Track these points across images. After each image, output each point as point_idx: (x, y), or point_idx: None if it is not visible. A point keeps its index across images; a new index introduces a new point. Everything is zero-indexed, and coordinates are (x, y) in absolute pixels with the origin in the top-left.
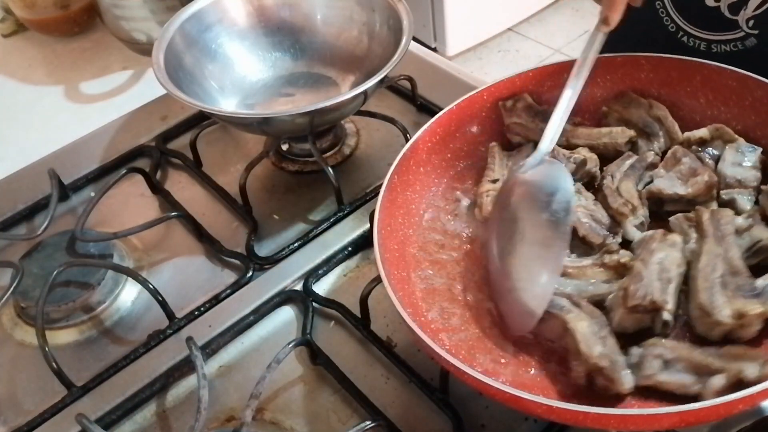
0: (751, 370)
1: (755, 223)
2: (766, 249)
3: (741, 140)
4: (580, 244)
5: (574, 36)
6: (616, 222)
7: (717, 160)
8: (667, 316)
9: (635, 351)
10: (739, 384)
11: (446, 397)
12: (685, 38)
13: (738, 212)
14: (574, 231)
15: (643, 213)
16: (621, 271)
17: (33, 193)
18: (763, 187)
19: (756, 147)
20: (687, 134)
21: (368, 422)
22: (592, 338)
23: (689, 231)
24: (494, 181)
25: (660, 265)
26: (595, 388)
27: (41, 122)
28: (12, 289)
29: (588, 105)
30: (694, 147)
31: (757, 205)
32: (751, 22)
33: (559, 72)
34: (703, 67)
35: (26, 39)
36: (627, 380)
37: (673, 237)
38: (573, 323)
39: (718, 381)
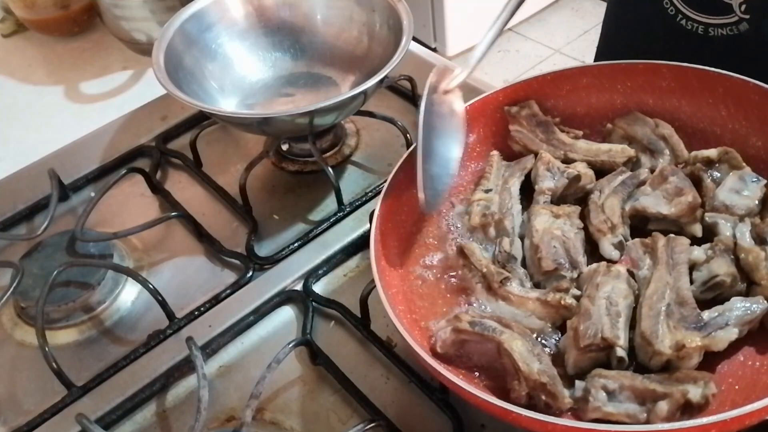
0: (693, 392)
1: (717, 255)
2: (720, 285)
3: (747, 169)
4: (538, 270)
5: (573, 36)
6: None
7: (719, 183)
8: (620, 352)
9: (578, 384)
10: (684, 407)
11: (446, 397)
12: (683, 21)
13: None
14: (536, 250)
15: (622, 232)
16: (562, 312)
17: (33, 193)
18: (747, 218)
19: (761, 179)
20: (695, 152)
21: (368, 422)
22: (528, 356)
23: (644, 257)
24: (487, 191)
25: (607, 300)
26: (538, 407)
27: (41, 122)
28: (12, 289)
29: (606, 112)
30: (698, 165)
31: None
32: (743, 7)
33: (571, 77)
34: (725, 79)
35: (26, 39)
36: (568, 394)
37: (617, 268)
38: (508, 343)
39: (662, 407)
